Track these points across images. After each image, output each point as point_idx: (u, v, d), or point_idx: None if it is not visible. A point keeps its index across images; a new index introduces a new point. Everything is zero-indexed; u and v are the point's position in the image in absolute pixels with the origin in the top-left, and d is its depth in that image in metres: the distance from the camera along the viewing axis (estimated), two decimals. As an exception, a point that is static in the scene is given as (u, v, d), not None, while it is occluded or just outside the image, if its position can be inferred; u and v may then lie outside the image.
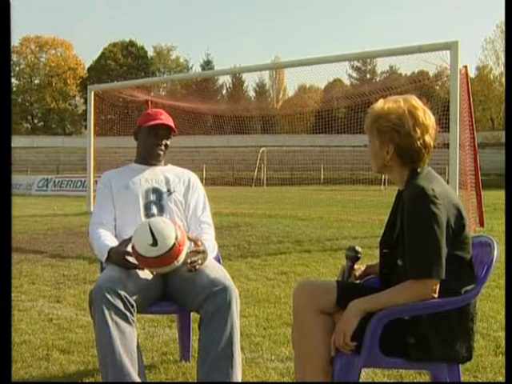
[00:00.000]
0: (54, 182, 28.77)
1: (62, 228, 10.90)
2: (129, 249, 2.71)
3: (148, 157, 3.21)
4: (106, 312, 2.47)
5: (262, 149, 41.18)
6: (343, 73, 58.84)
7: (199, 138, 43.91)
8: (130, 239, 2.71)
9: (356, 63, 59.84)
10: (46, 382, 3.25)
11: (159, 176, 3.18)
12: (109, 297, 2.49)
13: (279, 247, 8.26)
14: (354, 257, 2.56)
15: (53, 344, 3.71)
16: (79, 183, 26.92)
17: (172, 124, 3.19)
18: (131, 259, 2.68)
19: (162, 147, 3.20)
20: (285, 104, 56.30)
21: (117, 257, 2.73)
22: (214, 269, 2.78)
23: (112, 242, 2.88)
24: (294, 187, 33.45)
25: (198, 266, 2.71)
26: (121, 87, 17.54)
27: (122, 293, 2.53)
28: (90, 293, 2.59)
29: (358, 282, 2.53)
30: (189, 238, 2.79)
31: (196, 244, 2.80)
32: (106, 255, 2.79)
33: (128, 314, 2.52)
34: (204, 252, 2.79)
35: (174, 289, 2.80)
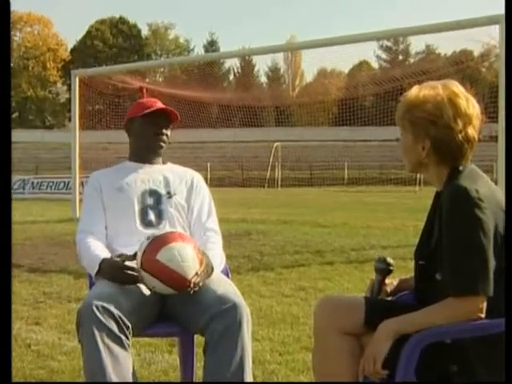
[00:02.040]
0: (33, 183, 28.96)
1: (42, 237, 10.95)
2: (127, 263, 2.72)
3: (146, 152, 3.22)
4: (97, 334, 2.46)
5: (275, 144, 41.20)
6: (371, 54, 58.79)
7: (203, 132, 44.01)
8: (132, 257, 2.71)
9: (386, 42, 59.75)
10: (45, 381, 3.61)
11: (157, 176, 3.18)
12: (100, 316, 2.48)
13: (297, 258, 8.27)
14: (384, 269, 2.57)
15: (31, 374, 3.71)
16: (62, 185, 27.07)
17: (171, 108, 3.21)
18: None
19: (164, 137, 3.21)
20: (302, 91, 56.36)
21: (111, 269, 2.72)
22: (222, 284, 2.77)
23: (104, 252, 2.89)
24: (314, 188, 33.44)
25: (201, 283, 2.68)
26: (110, 72, 17.66)
27: (116, 312, 2.52)
28: (77, 312, 2.58)
29: (389, 298, 2.54)
30: None
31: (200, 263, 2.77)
32: (97, 267, 2.79)
33: (122, 336, 2.51)
34: (208, 265, 2.76)
35: (174, 307, 2.80)
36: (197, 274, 2.61)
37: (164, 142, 3.22)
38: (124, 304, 2.59)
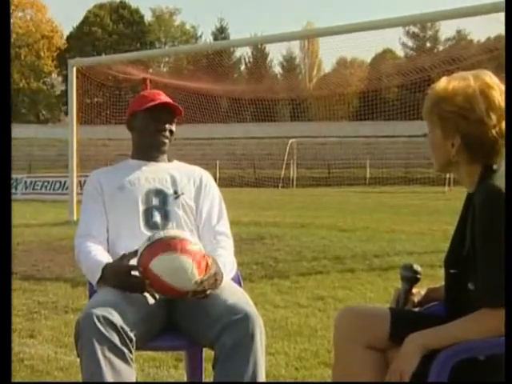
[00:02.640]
0: (26, 182, 28.96)
1: (36, 242, 10.97)
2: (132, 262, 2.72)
3: (149, 149, 3.24)
4: (98, 348, 2.45)
5: (290, 140, 41.18)
6: (395, 41, 58.75)
7: (211, 127, 44.09)
8: (134, 253, 2.71)
9: (412, 28, 59.56)
10: (46, 381, 3.75)
11: (163, 174, 3.19)
12: (101, 328, 2.47)
13: (314, 265, 8.27)
14: (411, 278, 2.57)
15: (24, 392, 3.74)
16: (58, 184, 27.07)
17: (173, 102, 3.22)
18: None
19: (167, 133, 3.23)
20: (320, 83, 56.18)
21: (115, 275, 2.71)
22: (233, 292, 2.77)
23: (106, 257, 2.90)
24: (333, 189, 33.38)
25: (209, 292, 2.69)
26: (110, 62, 17.66)
27: (119, 323, 2.51)
28: (76, 323, 2.58)
29: (416, 309, 2.54)
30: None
31: (207, 263, 2.77)
32: (99, 274, 2.79)
33: (125, 350, 2.51)
34: (217, 272, 2.76)
35: (181, 318, 2.81)
36: (201, 282, 2.61)
37: (167, 138, 3.24)
38: (127, 314, 2.58)
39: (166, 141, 3.23)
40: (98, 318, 2.48)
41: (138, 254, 2.66)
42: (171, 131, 3.24)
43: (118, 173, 3.21)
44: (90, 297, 2.93)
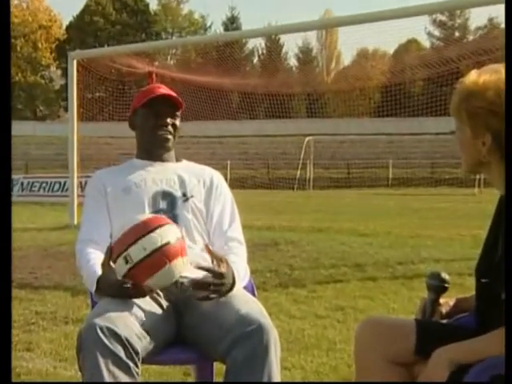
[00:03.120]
0: (22, 183, 28.95)
1: (33, 247, 10.99)
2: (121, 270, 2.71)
3: (152, 146, 3.24)
4: (101, 361, 2.45)
5: (307, 138, 41.18)
6: (421, 31, 58.26)
7: (221, 124, 44.10)
8: (108, 251, 2.72)
9: (440, 16, 59.37)
10: (45, 381, 3.87)
11: (171, 175, 3.20)
12: (105, 340, 2.47)
13: (332, 273, 8.28)
14: (438, 287, 2.57)
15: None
16: (57, 186, 27.05)
17: (174, 94, 3.22)
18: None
19: (169, 128, 3.22)
20: (339, 76, 56.15)
21: (109, 288, 2.71)
22: (246, 301, 2.76)
23: None
24: (352, 190, 33.32)
25: (214, 294, 2.70)
26: (113, 54, 17.62)
27: (124, 334, 2.51)
28: (78, 335, 2.58)
29: (444, 321, 2.53)
30: (211, 254, 2.83)
31: (219, 263, 2.78)
32: (94, 286, 2.79)
33: (131, 363, 2.51)
34: (228, 277, 2.77)
35: (190, 330, 2.81)
36: (217, 274, 2.69)
37: (170, 133, 3.23)
38: (133, 325, 2.58)
39: (169, 136, 3.23)
40: (101, 329, 2.48)
41: (124, 269, 2.65)
42: (174, 126, 3.24)
43: (123, 173, 3.22)
44: (93, 306, 2.94)
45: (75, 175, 15.00)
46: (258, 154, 45.54)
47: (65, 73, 53.44)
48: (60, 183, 26.53)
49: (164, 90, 3.23)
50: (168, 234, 2.67)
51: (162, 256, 2.62)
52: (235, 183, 27.79)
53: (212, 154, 41.68)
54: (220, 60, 22.98)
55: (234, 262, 2.93)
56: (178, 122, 3.25)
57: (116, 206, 3.11)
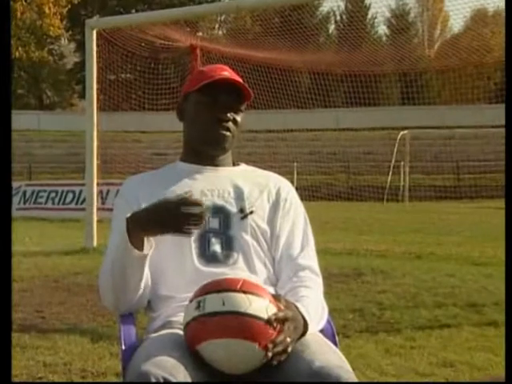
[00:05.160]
0: (25, 193, 28.92)
1: (40, 278, 11.05)
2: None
3: (202, 145, 3.24)
4: None
5: (401, 132, 40.95)
6: None
7: (286, 115, 44.32)
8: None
9: None
10: (45, 381, 4.65)
11: (225, 185, 3.21)
12: None
13: (438, 315, 8.18)
14: None
15: None
16: (71, 196, 26.72)
17: (240, 80, 3.20)
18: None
19: (229, 124, 3.21)
20: (445, 49, 55.42)
21: (159, 210, 2.78)
22: (322, 351, 2.73)
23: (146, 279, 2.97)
24: (463, 203, 33.21)
25: (289, 348, 2.65)
26: (145, 22, 17.67)
27: None
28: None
29: None
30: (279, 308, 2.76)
31: (279, 307, 2.72)
32: (125, 226, 2.85)
33: None
34: (296, 320, 2.73)
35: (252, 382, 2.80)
36: (274, 342, 2.59)
37: (230, 131, 3.22)
38: (192, 374, 2.59)
39: (228, 134, 3.21)
40: (156, 379, 2.49)
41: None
42: (235, 122, 3.23)
43: (163, 182, 3.23)
44: (125, 357, 2.87)
45: (94, 182, 15.01)
46: (334, 153, 45.54)
47: (80, 47, 54.48)
48: (74, 193, 26.27)
49: (228, 72, 3.22)
50: (261, 307, 2.63)
51: (238, 324, 2.61)
52: (304, 193, 27.83)
53: (273, 155, 41.77)
54: (284, 30, 23.03)
55: (306, 296, 2.95)
56: (240, 118, 3.24)
57: None
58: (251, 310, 2.60)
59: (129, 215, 2.84)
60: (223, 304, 2.59)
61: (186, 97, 3.25)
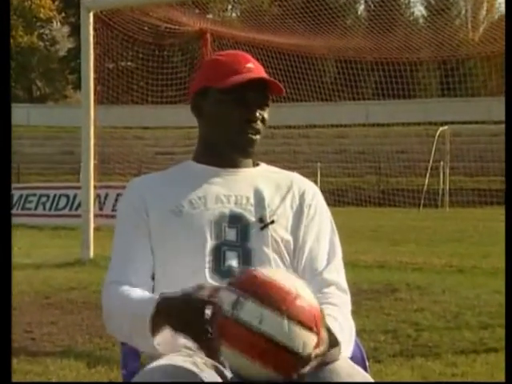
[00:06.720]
0: (12, 197, 29.38)
1: (29, 294, 11.24)
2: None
3: (227, 149, 3.21)
4: None
5: (440, 128, 40.82)
6: None
7: (309, 109, 44.14)
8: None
9: None
10: (46, 381, 5.17)
11: (244, 190, 3.16)
12: None
13: (483, 338, 8.27)
14: None
15: None
16: (64, 201, 27.27)
17: (265, 74, 3.18)
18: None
19: (258, 124, 3.18)
20: (491, 32, 55.19)
21: (185, 310, 2.70)
22: (352, 376, 2.71)
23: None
24: (513, 210, 32.77)
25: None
26: (148, 3, 17.71)
27: None
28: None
29: None
30: None
31: (319, 339, 2.66)
32: (152, 309, 2.78)
33: None
34: (326, 342, 2.67)
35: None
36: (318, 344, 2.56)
37: (259, 132, 3.20)
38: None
39: (257, 138, 3.21)
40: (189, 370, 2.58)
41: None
42: (263, 120, 3.21)
43: (173, 185, 3.19)
44: (127, 377, 2.92)
45: (91, 185, 15.26)
46: (363, 152, 45.41)
47: (75, 32, 53.99)
48: (68, 197, 26.84)
49: (253, 65, 3.21)
50: (300, 342, 2.55)
51: (269, 350, 2.54)
52: (329, 197, 27.68)
53: (293, 153, 41.82)
54: (307, 10, 22.91)
55: (333, 317, 2.88)
56: (266, 115, 3.22)
57: (162, 234, 3.10)
58: (287, 341, 2.52)
59: (159, 300, 2.77)
60: (260, 322, 2.51)
61: (205, 91, 3.22)
